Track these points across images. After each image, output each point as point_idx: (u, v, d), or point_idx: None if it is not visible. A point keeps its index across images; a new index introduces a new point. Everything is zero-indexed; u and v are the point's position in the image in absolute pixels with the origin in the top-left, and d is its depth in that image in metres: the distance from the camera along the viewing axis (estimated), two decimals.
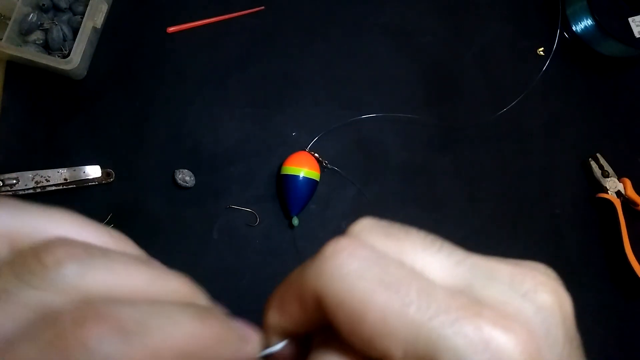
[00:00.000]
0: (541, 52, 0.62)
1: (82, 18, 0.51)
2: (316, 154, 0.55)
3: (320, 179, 0.54)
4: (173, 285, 0.17)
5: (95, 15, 0.52)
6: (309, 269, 0.16)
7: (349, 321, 0.15)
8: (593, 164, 0.59)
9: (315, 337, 0.17)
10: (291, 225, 0.53)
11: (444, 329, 0.14)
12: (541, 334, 0.15)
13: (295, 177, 0.52)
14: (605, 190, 0.59)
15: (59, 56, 0.52)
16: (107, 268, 0.16)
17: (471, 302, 0.15)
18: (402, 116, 0.58)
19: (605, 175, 0.59)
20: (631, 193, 0.58)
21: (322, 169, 0.55)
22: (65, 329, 0.13)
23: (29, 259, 0.14)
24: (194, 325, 0.15)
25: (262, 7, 0.58)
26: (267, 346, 0.19)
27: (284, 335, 0.18)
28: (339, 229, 0.55)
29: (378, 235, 0.17)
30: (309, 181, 0.52)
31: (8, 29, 0.50)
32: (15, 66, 0.54)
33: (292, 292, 0.17)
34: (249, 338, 0.18)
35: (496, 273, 0.17)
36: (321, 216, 0.55)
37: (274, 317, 0.18)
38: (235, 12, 0.58)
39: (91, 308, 0.14)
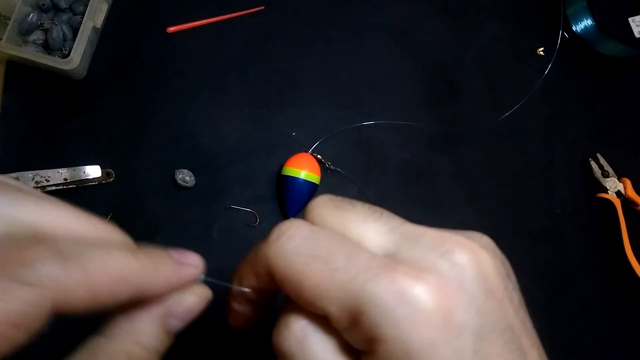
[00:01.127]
0: (541, 52, 0.62)
1: (82, 18, 0.51)
2: (319, 156, 0.55)
3: (320, 182, 0.54)
4: (107, 230, 0.21)
5: (96, 15, 0.52)
6: (260, 250, 0.20)
7: (292, 290, 0.18)
8: (593, 164, 0.59)
9: (286, 300, 0.20)
10: None
11: (365, 284, 0.16)
12: (454, 286, 0.17)
13: (295, 178, 0.52)
14: (605, 190, 0.59)
15: (59, 56, 0.52)
16: (52, 212, 0.20)
17: (391, 261, 0.17)
18: (403, 116, 0.58)
19: (605, 175, 0.59)
20: (631, 193, 0.58)
21: (325, 170, 0.55)
22: (11, 252, 0.16)
23: None
24: (125, 254, 0.18)
25: (262, 7, 0.58)
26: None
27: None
28: None
29: (329, 209, 0.20)
30: (308, 184, 0.52)
31: (8, 29, 0.50)
32: (15, 66, 0.53)
33: (249, 269, 0.21)
34: (188, 261, 0.22)
35: (422, 238, 0.19)
36: None
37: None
38: (236, 12, 0.58)
39: (34, 238, 0.18)
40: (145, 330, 0.20)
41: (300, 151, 0.55)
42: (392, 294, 0.16)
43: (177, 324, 0.21)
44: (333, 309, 0.17)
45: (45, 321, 0.16)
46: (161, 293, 0.20)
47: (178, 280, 0.21)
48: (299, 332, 0.18)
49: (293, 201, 0.52)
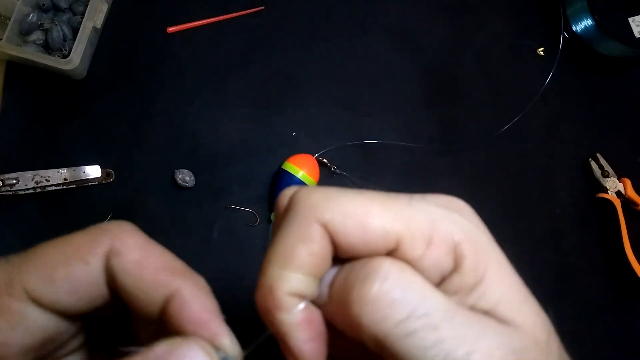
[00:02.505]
0: (541, 52, 0.62)
1: (82, 18, 0.51)
2: (324, 160, 0.55)
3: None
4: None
5: (95, 15, 0.52)
6: (350, 298, 0.17)
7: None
8: (593, 164, 0.59)
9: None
10: (269, 220, 0.53)
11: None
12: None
13: (292, 175, 0.52)
14: (605, 190, 0.59)
15: (58, 56, 0.52)
16: None
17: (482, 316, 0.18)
18: (403, 116, 0.58)
19: (605, 175, 0.59)
20: (631, 193, 0.58)
21: (331, 174, 0.55)
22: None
23: None
24: None
25: (262, 7, 0.58)
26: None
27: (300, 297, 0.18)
28: None
29: (347, 205, 0.18)
30: (301, 184, 0.52)
31: (8, 29, 0.50)
32: (15, 66, 0.53)
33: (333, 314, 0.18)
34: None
35: (432, 206, 0.20)
36: None
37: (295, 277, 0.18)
38: (235, 12, 0.58)
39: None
40: None
41: (300, 151, 0.55)
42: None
43: None
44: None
45: None
46: None
47: None
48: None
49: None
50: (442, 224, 0.18)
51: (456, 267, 0.18)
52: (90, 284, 0.19)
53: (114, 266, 0.18)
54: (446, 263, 0.18)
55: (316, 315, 0.18)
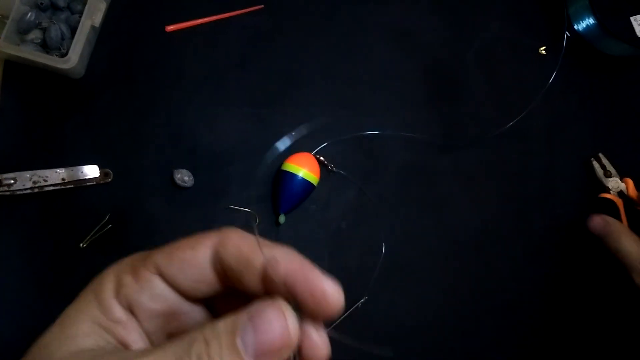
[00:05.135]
0: (543, 51, 0.62)
1: (80, 17, 0.51)
2: (322, 158, 0.54)
3: (320, 184, 0.53)
4: None
5: (94, 14, 0.52)
6: None
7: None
8: (595, 163, 0.59)
9: None
10: (277, 223, 0.53)
11: None
12: None
13: (294, 175, 0.52)
14: (608, 190, 0.58)
15: (57, 55, 0.51)
16: None
17: None
18: (403, 116, 0.58)
19: (608, 175, 0.58)
20: (633, 193, 0.58)
21: (327, 172, 0.55)
22: None
23: None
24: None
25: (262, 6, 0.58)
26: None
27: None
28: (339, 229, 0.55)
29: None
30: (306, 182, 0.52)
31: (6, 28, 0.50)
32: (13, 65, 0.53)
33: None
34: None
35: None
36: (321, 216, 0.55)
37: None
38: (235, 10, 0.57)
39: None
40: None
41: (301, 151, 0.54)
42: None
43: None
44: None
45: None
46: None
47: None
48: None
49: (287, 197, 0.52)
50: None
51: None
52: (198, 267, 0.23)
53: (221, 253, 0.23)
54: None
55: None
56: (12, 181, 0.49)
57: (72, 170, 0.51)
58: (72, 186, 0.51)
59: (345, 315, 0.51)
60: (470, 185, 0.58)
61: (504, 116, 0.59)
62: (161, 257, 0.23)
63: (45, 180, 0.50)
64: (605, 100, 0.62)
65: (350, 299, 0.52)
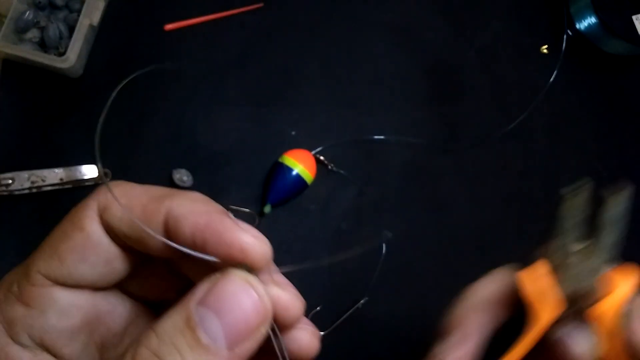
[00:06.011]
0: (545, 50, 0.62)
1: (78, 15, 0.51)
2: (321, 157, 0.54)
3: (314, 184, 0.53)
4: None
5: (92, 13, 0.52)
6: None
7: None
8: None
9: None
10: (262, 213, 0.52)
11: None
12: None
13: (290, 169, 0.51)
14: None
15: (55, 54, 0.51)
16: None
17: None
18: (404, 115, 0.58)
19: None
20: None
21: (328, 172, 0.54)
22: None
23: None
24: None
25: (261, 5, 0.58)
26: None
27: None
28: (339, 229, 0.54)
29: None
30: (299, 179, 0.52)
31: (4, 27, 0.49)
32: (10, 64, 0.53)
33: None
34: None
35: None
36: (321, 216, 0.54)
37: None
38: (234, 9, 0.57)
39: None
40: None
41: (306, 150, 0.54)
42: None
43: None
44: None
45: None
46: None
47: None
48: None
49: (278, 189, 0.51)
50: None
51: None
52: (96, 248, 0.19)
53: (108, 221, 0.19)
54: None
55: None
56: (10, 181, 0.49)
57: (70, 170, 0.50)
58: (71, 186, 0.51)
59: (345, 316, 0.51)
60: (471, 185, 0.57)
61: (505, 116, 0.59)
62: (44, 261, 0.18)
63: (44, 180, 0.50)
64: (607, 99, 0.62)
65: (350, 299, 0.52)
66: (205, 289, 0.16)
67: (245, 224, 0.18)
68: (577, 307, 0.21)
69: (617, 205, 0.22)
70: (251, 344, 0.16)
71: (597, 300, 0.21)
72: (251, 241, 0.17)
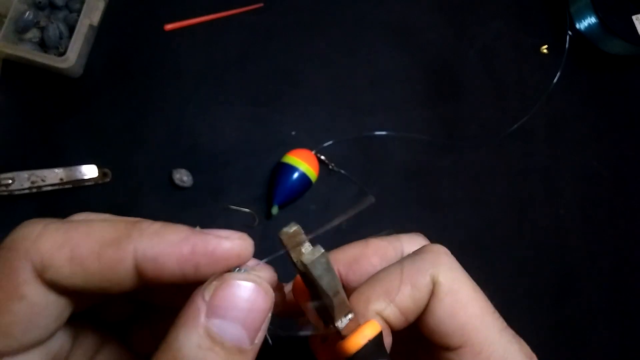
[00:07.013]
0: (545, 50, 0.62)
1: (78, 16, 0.51)
2: (322, 157, 0.54)
3: (318, 182, 0.53)
4: None
5: (92, 13, 0.52)
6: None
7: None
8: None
9: None
10: (269, 215, 0.52)
11: None
12: None
13: (295, 168, 0.51)
14: None
15: (55, 54, 0.51)
16: None
17: None
18: (404, 115, 0.58)
19: None
20: None
21: (328, 171, 0.54)
22: None
23: None
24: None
25: (261, 4, 0.58)
26: None
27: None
28: (339, 229, 0.54)
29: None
30: (305, 177, 0.51)
31: (4, 27, 0.49)
32: (11, 64, 0.53)
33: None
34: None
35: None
36: (321, 216, 0.54)
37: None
38: (234, 9, 0.57)
39: None
40: None
41: (307, 149, 0.54)
42: None
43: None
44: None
45: None
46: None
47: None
48: None
49: (284, 190, 0.51)
50: None
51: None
52: (44, 311, 0.17)
53: (54, 280, 0.17)
54: None
55: None
56: (10, 181, 0.49)
57: (70, 170, 0.50)
58: (71, 186, 0.51)
59: None
60: (472, 185, 0.57)
61: (505, 116, 0.59)
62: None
63: (44, 180, 0.50)
64: (608, 99, 0.62)
65: None
66: (209, 300, 0.17)
67: (222, 230, 0.19)
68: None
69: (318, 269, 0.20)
70: (264, 329, 0.17)
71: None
72: (239, 243, 0.18)
